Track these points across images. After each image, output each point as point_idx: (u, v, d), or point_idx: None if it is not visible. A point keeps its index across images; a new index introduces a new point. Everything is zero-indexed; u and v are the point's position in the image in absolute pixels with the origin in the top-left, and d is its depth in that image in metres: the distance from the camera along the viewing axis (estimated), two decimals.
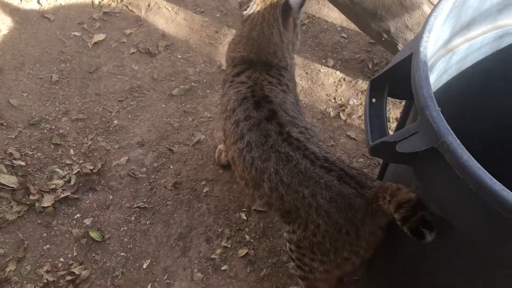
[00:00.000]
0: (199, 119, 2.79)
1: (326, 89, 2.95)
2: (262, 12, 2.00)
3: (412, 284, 1.74)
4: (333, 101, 2.89)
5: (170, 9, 3.33)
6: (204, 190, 2.51)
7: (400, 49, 2.63)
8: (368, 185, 1.64)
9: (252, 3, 2.01)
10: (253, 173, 1.79)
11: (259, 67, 2.01)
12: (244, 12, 2.03)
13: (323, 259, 1.74)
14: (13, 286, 2.19)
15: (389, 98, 1.65)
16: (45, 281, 2.20)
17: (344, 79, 2.99)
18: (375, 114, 1.52)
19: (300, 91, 2.92)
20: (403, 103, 1.90)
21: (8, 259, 2.27)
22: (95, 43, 3.13)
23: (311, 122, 2.77)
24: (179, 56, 3.11)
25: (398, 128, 1.81)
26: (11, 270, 2.23)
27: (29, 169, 2.55)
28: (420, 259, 1.61)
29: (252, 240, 2.33)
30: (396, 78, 1.52)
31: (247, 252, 2.29)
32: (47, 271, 2.23)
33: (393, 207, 1.47)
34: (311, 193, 1.66)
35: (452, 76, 1.72)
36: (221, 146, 2.52)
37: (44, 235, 2.35)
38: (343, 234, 1.65)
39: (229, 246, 2.32)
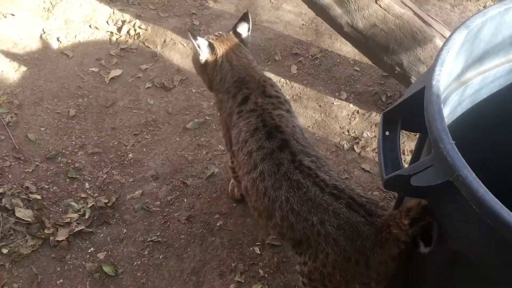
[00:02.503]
0: (213, 152, 2.80)
1: (340, 121, 2.95)
2: (227, 48, 2.19)
3: None
4: (347, 133, 2.88)
5: (185, 44, 3.40)
6: (218, 224, 2.49)
7: (413, 81, 2.64)
8: (378, 213, 1.63)
9: (215, 50, 2.17)
10: (265, 203, 1.80)
11: (254, 87, 2.10)
12: (209, 57, 2.19)
13: None
14: None
15: (404, 131, 1.64)
16: None
17: (358, 112, 2.99)
18: (389, 147, 1.51)
19: (314, 124, 2.93)
20: (417, 136, 1.89)
21: None
22: (112, 78, 3.20)
23: (325, 154, 2.76)
24: (194, 90, 3.15)
25: (412, 161, 1.80)
26: None
27: (44, 203, 2.56)
28: None
29: (266, 275, 2.30)
30: (409, 110, 1.51)
31: (261, 287, 2.26)
32: None
33: (408, 220, 1.44)
34: (319, 221, 1.65)
35: (466, 108, 1.71)
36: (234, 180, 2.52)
37: (58, 269, 2.34)
38: (352, 263, 1.62)
39: (243, 281, 2.28)
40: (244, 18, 2.25)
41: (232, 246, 2.41)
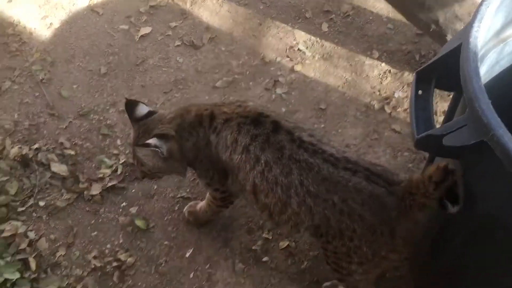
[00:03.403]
0: None
1: (371, 81, 2.89)
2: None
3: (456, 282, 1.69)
4: (378, 93, 2.83)
5: (214, 1, 3.36)
6: None
7: (449, 39, 2.55)
8: (396, 181, 1.62)
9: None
10: (279, 193, 1.71)
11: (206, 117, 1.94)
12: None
13: (361, 261, 1.72)
14: (63, 270, 2.29)
15: (436, 90, 1.60)
16: (93, 266, 2.28)
17: (390, 71, 2.92)
18: (421, 107, 1.48)
19: (344, 84, 2.88)
20: (451, 96, 1.84)
21: (58, 244, 2.37)
22: (141, 36, 3.20)
23: (355, 115, 2.73)
24: (223, 49, 3.13)
25: (445, 121, 1.76)
26: (61, 255, 2.33)
27: (78, 158, 2.64)
28: (466, 258, 1.57)
29: None
30: (444, 69, 1.47)
31: (288, 244, 2.29)
32: (95, 257, 2.31)
33: (432, 186, 1.43)
34: (341, 199, 1.62)
35: (504, 67, 1.65)
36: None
37: (92, 222, 2.43)
38: (378, 235, 1.62)
39: (270, 238, 2.32)
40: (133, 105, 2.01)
41: None
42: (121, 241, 2.37)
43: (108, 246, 2.36)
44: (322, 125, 2.71)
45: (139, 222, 2.41)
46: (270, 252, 2.29)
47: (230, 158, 1.83)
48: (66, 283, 2.23)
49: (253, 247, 2.31)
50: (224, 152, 1.84)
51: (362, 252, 1.67)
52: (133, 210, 2.46)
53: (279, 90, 2.89)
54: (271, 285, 2.19)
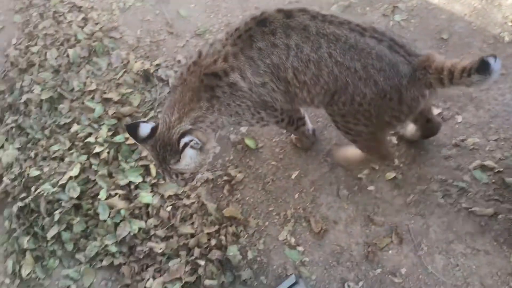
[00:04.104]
0: None
1: (503, 10, 2.63)
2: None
3: None
4: (510, 24, 2.58)
5: None
6: None
7: None
8: (416, 53, 1.73)
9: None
10: (312, 69, 1.80)
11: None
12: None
13: (366, 123, 1.86)
14: None
15: None
16: (206, 178, 2.44)
17: None
18: None
19: (472, 12, 2.65)
20: None
21: None
22: None
23: (480, 47, 2.53)
24: None
25: None
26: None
27: None
28: None
29: (401, 165, 2.30)
30: None
31: (395, 176, 2.28)
32: (207, 170, 2.46)
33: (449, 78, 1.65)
34: (362, 66, 1.72)
35: None
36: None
37: None
38: (387, 100, 1.76)
39: (377, 168, 2.32)
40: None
41: None
42: (231, 157, 2.50)
43: (220, 161, 2.50)
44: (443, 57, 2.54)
45: (249, 142, 2.51)
46: (375, 181, 2.29)
47: (261, 63, 1.84)
48: (182, 190, 2.42)
49: (359, 175, 2.32)
50: (258, 73, 1.85)
51: (369, 114, 1.82)
52: (244, 129, 2.56)
53: (397, 17, 2.74)
54: (375, 214, 2.22)
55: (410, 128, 2.27)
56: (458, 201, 2.16)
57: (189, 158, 1.87)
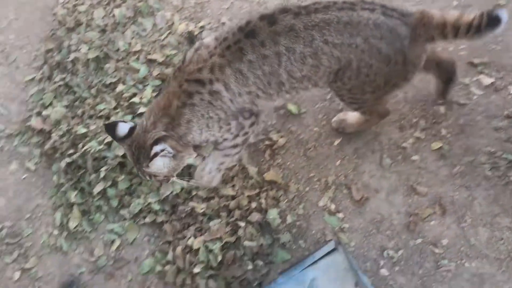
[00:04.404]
0: None
1: None
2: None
3: None
4: None
5: None
6: None
7: None
8: (409, 12, 1.77)
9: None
10: (309, 62, 1.80)
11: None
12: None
13: (373, 90, 1.90)
14: None
15: None
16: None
17: None
18: None
19: None
20: None
21: None
22: None
23: None
24: None
25: None
26: None
27: None
28: None
29: (448, 135, 2.24)
30: None
31: (441, 146, 2.22)
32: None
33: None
34: (363, 39, 1.73)
35: None
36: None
37: None
38: (392, 64, 1.78)
39: (423, 137, 2.27)
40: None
41: (416, 102, 2.36)
42: (274, 122, 2.49)
43: (262, 125, 2.50)
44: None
45: (291, 107, 2.49)
46: (420, 151, 2.25)
47: (258, 78, 1.85)
48: None
49: (403, 145, 2.28)
50: (245, 84, 1.86)
51: (376, 84, 1.86)
52: None
53: None
54: (418, 184, 2.19)
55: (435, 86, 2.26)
56: (507, 174, 2.10)
57: (161, 165, 1.90)
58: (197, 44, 1.92)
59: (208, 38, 1.91)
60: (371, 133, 2.35)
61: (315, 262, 2.09)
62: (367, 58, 1.77)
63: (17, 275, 2.38)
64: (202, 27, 2.80)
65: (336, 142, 2.37)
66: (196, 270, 2.18)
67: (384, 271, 2.08)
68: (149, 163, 1.87)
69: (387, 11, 1.75)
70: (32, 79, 2.91)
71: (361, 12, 1.73)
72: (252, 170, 2.35)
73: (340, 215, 2.22)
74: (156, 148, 1.84)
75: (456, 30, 1.73)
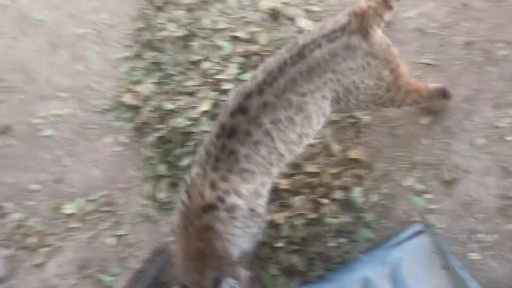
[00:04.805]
0: None
1: None
2: None
3: None
4: None
5: None
6: (500, 53, 2.29)
7: None
8: (343, 22, 1.81)
9: None
10: (298, 118, 1.81)
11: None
12: None
13: (379, 95, 1.94)
14: None
15: None
16: (332, 120, 2.43)
17: None
18: None
19: None
20: None
21: None
22: None
23: None
24: None
25: None
26: None
27: (322, 15, 2.70)
28: None
29: None
30: None
31: None
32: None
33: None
34: (332, 72, 1.79)
35: None
36: None
37: None
38: (368, 68, 1.83)
39: None
40: None
41: None
42: None
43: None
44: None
45: None
46: None
47: (260, 165, 1.84)
48: None
49: (498, 124, 2.16)
50: (253, 180, 1.84)
51: (372, 91, 1.91)
52: None
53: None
54: None
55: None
56: None
57: None
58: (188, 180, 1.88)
59: (193, 171, 1.87)
60: (462, 112, 2.24)
61: (400, 243, 2.06)
62: (346, 82, 1.83)
63: (112, 241, 2.56)
64: (285, 3, 2.78)
65: (425, 121, 2.29)
66: (279, 244, 2.22)
67: (474, 255, 2.00)
68: None
69: (330, 37, 1.80)
70: (124, 57, 3.05)
71: (313, 55, 1.78)
72: (336, 147, 2.34)
73: (427, 196, 2.15)
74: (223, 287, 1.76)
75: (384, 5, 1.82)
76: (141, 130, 2.78)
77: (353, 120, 2.40)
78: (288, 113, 1.79)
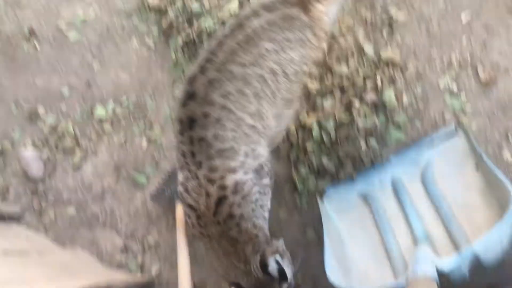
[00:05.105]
0: None
1: None
2: None
3: None
4: None
5: None
6: None
7: None
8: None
9: None
10: (248, 91, 1.68)
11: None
12: None
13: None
14: None
15: None
16: (365, 19, 2.32)
17: None
18: None
19: None
20: None
21: None
22: None
23: None
24: None
25: None
26: None
27: None
28: None
29: None
30: None
31: None
32: (366, 8, 2.33)
33: None
34: (270, 41, 1.68)
35: None
36: None
37: None
38: (309, 42, 1.77)
39: None
40: None
41: None
42: None
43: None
44: None
45: None
46: None
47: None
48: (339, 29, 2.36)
49: None
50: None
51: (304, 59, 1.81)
52: None
53: None
54: None
55: None
56: None
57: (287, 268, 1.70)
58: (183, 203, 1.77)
59: (179, 178, 1.75)
60: (504, 6, 2.11)
61: (432, 144, 2.05)
62: (286, 55, 1.73)
63: (144, 143, 2.62)
64: None
65: (464, 17, 2.17)
66: (309, 146, 2.24)
67: (507, 155, 1.99)
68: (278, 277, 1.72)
69: (269, 8, 1.72)
70: None
71: (250, 24, 1.68)
72: (368, 47, 2.26)
73: (463, 96, 2.10)
74: (271, 265, 1.69)
75: None
76: (168, 33, 2.73)
77: (386, 18, 2.29)
78: (234, 84, 1.66)
